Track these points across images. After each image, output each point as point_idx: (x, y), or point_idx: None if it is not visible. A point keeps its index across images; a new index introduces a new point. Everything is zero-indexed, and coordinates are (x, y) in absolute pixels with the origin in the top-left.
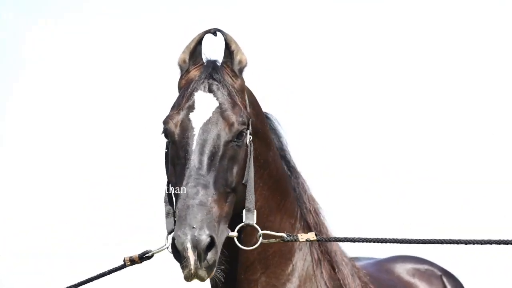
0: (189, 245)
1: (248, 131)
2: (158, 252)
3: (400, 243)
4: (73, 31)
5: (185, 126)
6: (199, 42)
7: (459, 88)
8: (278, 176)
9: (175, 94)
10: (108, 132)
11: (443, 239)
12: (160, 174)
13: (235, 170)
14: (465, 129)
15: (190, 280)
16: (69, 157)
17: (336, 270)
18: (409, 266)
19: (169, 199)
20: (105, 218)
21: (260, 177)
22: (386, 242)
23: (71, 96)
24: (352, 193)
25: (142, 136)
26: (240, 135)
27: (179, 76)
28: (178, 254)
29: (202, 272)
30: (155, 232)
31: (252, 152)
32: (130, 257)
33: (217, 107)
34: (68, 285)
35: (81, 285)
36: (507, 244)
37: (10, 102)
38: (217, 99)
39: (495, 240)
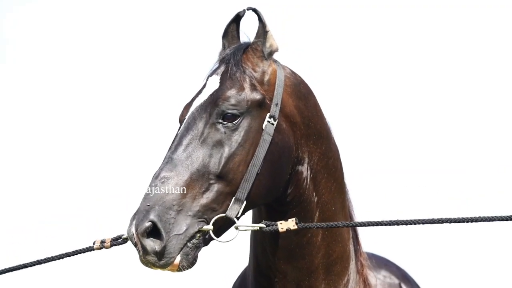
0: (133, 231)
1: (268, 116)
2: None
3: (395, 225)
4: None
5: (186, 112)
6: (231, 22)
7: (460, 87)
8: (341, 172)
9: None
10: (108, 131)
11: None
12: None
13: (223, 155)
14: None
15: (151, 267)
16: (66, 153)
17: (368, 284)
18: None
19: None
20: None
21: (324, 166)
22: (377, 225)
23: (62, 88)
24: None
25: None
26: (231, 117)
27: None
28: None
29: (152, 259)
30: None
31: (268, 140)
32: (102, 239)
33: (215, 90)
34: (26, 262)
35: (40, 264)
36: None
37: None
38: (220, 81)
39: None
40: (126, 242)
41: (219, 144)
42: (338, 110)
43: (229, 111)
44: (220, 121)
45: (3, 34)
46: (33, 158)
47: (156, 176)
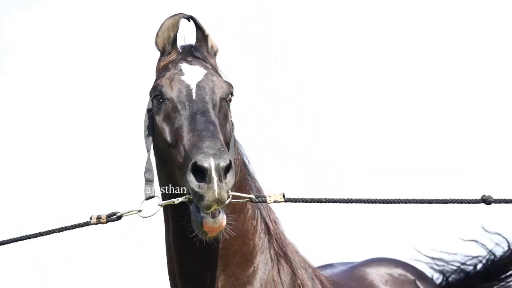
0: (213, 165)
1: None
2: (128, 215)
3: (365, 203)
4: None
5: (180, 84)
6: (178, 27)
7: (461, 87)
8: (243, 173)
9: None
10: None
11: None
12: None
13: (228, 127)
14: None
15: (210, 209)
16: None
17: (295, 273)
18: (383, 270)
19: (157, 165)
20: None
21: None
22: (350, 202)
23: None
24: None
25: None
26: (229, 96)
27: (158, 58)
28: (200, 178)
29: (224, 194)
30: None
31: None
32: (98, 215)
33: (206, 73)
34: (27, 234)
35: (41, 236)
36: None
37: None
38: (204, 68)
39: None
40: (120, 219)
41: (225, 117)
42: (338, 110)
43: (231, 92)
44: (226, 99)
45: (3, 37)
46: (33, 158)
47: (207, 128)
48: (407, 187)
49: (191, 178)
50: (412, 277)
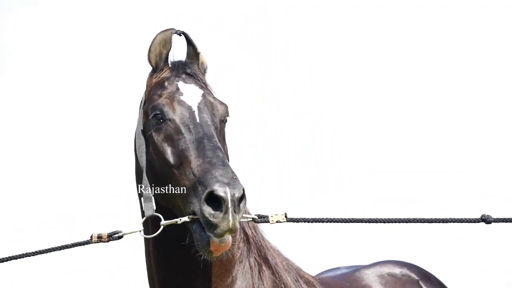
0: (229, 196)
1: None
2: (129, 234)
3: (367, 222)
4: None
5: (181, 105)
6: (170, 44)
7: (460, 87)
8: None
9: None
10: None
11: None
12: None
13: (225, 149)
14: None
15: (221, 236)
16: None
17: (278, 277)
18: (385, 271)
19: (149, 182)
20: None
21: None
22: (354, 222)
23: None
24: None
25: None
26: (226, 118)
27: (149, 74)
28: (214, 207)
29: (237, 224)
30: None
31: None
32: (99, 234)
33: (203, 93)
34: (27, 252)
35: (41, 254)
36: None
37: None
38: (200, 87)
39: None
40: (121, 238)
41: (223, 139)
42: (338, 110)
43: (228, 114)
44: (224, 122)
45: (3, 37)
46: (33, 158)
47: (216, 155)
48: (407, 187)
49: (205, 207)
50: (415, 278)
